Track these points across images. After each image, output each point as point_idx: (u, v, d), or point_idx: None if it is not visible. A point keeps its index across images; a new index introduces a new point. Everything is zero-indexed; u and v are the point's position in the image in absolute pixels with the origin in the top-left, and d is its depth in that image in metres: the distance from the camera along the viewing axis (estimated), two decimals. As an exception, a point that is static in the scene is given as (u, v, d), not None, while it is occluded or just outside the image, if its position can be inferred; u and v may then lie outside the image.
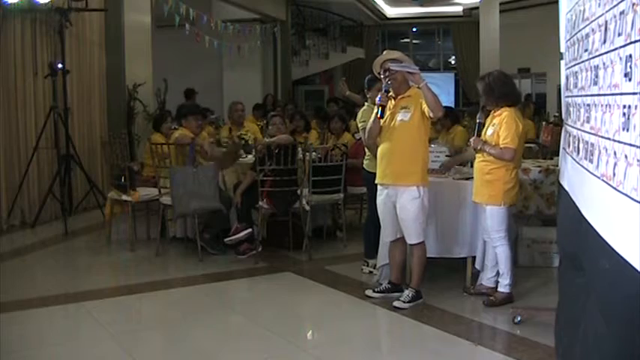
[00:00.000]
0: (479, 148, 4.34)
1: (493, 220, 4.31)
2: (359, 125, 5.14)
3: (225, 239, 5.63)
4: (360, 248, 5.48)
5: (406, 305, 4.31)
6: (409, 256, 4.51)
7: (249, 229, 5.59)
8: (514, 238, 5.02)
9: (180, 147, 5.84)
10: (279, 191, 5.54)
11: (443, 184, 4.76)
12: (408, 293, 4.37)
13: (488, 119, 4.44)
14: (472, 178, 4.53)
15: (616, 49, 1.78)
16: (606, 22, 1.92)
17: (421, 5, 18.35)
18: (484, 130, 4.40)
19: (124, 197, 6.05)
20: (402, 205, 4.28)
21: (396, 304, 4.33)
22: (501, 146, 4.24)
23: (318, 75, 18.99)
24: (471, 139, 4.44)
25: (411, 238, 4.32)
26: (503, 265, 4.35)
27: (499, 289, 4.38)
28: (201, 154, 5.87)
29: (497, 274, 4.43)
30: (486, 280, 4.54)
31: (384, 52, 4.54)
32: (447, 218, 4.69)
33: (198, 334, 3.99)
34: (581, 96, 2.48)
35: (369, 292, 4.59)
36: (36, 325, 4.18)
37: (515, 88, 4.52)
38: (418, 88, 4.17)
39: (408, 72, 4.18)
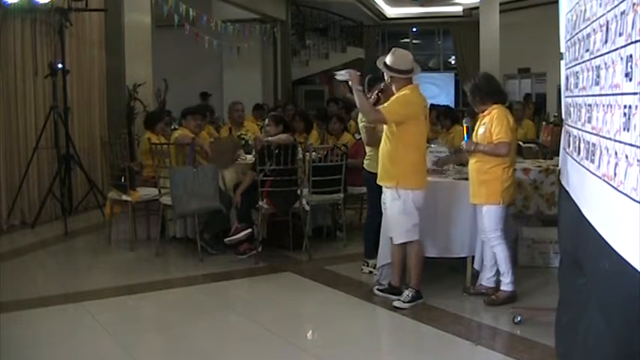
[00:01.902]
0: (472, 149, 4.35)
1: (490, 219, 4.30)
2: (360, 125, 5.16)
3: (225, 239, 5.62)
4: (360, 248, 5.48)
5: (406, 305, 4.31)
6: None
7: (249, 229, 5.58)
8: (514, 238, 5.02)
9: (180, 147, 5.85)
10: (279, 191, 5.53)
11: (443, 184, 4.76)
12: (407, 293, 4.37)
13: (477, 121, 4.46)
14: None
15: (617, 49, 1.78)
16: (607, 22, 1.93)
17: (421, 5, 18.34)
18: (474, 131, 4.42)
19: (124, 197, 6.05)
20: (385, 204, 4.43)
21: (396, 304, 4.33)
22: (495, 141, 4.24)
23: (318, 75, 18.97)
24: (462, 143, 4.44)
25: (394, 238, 4.40)
26: (503, 263, 4.34)
27: (502, 287, 4.38)
28: (201, 154, 5.87)
29: (497, 273, 4.43)
30: (486, 280, 4.54)
31: (392, 50, 4.47)
32: (446, 218, 4.68)
33: (198, 334, 3.99)
34: (582, 96, 2.49)
35: (375, 290, 4.61)
36: (36, 325, 4.17)
37: (501, 87, 4.61)
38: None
39: (346, 80, 4.33)
